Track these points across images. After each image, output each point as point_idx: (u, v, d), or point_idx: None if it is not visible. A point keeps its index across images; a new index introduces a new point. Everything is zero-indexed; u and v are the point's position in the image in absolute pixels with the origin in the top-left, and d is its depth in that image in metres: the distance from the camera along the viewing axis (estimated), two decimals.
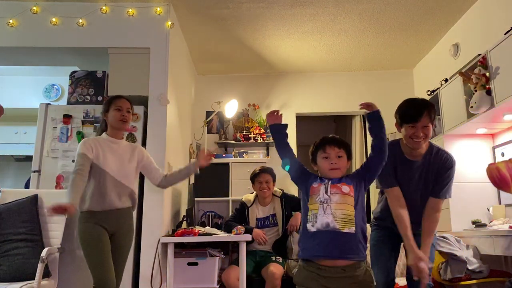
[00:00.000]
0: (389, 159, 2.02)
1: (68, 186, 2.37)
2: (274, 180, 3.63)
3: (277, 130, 2.01)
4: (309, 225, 1.81)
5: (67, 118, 3.46)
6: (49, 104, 3.60)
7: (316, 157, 1.93)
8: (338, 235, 1.76)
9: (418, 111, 2.09)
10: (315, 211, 1.81)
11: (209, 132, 5.05)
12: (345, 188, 1.83)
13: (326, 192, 1.82)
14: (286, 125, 2.03)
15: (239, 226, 3.22)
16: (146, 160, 2.64)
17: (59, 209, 2.12)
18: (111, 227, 2.42)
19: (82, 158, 2.38)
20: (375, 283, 1.91)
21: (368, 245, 2.01)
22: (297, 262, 3.40)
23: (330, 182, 1.85)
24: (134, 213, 3.25)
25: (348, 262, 1.76)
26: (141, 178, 3.36)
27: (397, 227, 2.17)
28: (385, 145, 1.89)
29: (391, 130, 5.37)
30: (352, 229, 1.77)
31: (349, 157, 1.93)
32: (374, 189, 5.04)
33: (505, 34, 3.02)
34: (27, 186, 3.99)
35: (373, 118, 1.91)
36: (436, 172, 2.18)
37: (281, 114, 2.05)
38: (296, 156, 2.03)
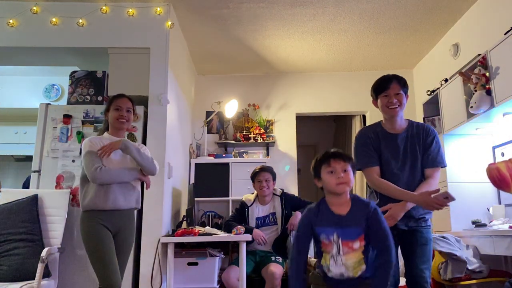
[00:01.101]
0: (370, 139, 2.12)
1: (109, 177, 2.37)
2: (274, 179, 3.63)
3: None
4: (325, 269, 1.83)
5: (67, 118, 3.45)
6: (49, 104, 3.59)
7: (320, 172, 1.86)
8: (354, 280, 1.79)
9: (388, 80, 2.28)
10: (327, 262, 1.81)
11: (209, 132, 5.05)
12: (356, 245, 1.79)
13: (339, 252, 1.79)
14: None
15: (239, 226, 3.22)
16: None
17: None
18: (114, 227, 2.41)
19: (92, 155, 2.38)
20: None
21: None
22: None
23: (340, 240, 1.79)
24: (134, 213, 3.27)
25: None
26: None
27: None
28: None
29: None
30: (363, 268, 1.78)
31: (354, 171, 1.88)
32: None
33: (505, 34, 3.02)
34: (25, 185, 3.99)
35: None
36: (423, 144, 2.25)
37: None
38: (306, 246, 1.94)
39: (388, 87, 2.25)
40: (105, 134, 2.56)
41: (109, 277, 2.25)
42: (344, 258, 1.78)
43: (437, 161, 2.25)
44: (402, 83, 2.28)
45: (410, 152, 2.24)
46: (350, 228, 1.78)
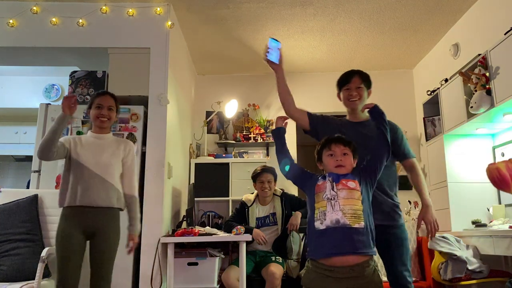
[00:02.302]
0: (334, 127, 2.24)
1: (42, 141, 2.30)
2: (275, 180, 3.63)
3: (281, 135, 2.14)
4: (317, 223, 1.81)
5: None
6: (49, 104, 3.60)
7: (322, 156, 1.96)
8: (349, 230, 1.75)
9: (350, 74, 2.38)
10: (323, 209, 1.80)
11: (209, 132, 5.05)
12: (351, 184, 1.84)
13: (333, 189, 1.83)
14: (285, 131, 2.18)
15: (239, 226, 3.22)
16: (126, 160, 2.52)
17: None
18: (89, 226, 2.33)
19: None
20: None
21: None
22: (297, 262, 3.42)
23: (334, 177, 1.86)
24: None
25: (358, 260, 1.76)
26: (141, 178, 3.37)
27: None
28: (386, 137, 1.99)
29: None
30: (362, 224, 1.78)
31: (355, 155, 1.95)
32: None
33: (505, 34, 3.02)
34: (28, 185, 3.99)
35: (375, 113, 2.04)
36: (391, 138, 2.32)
37: (287, 123, 2.23)
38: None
39: (349, 81, 2.35)
40: (89, 132, 2.53)
41: (63, 277, 2.24)
42: (342, 203, 1.79)
43: (410, 153, 2.36)
44: (364, 77, 2.37)
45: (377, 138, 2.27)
46: (345, 175, 1.90)
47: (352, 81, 2.34)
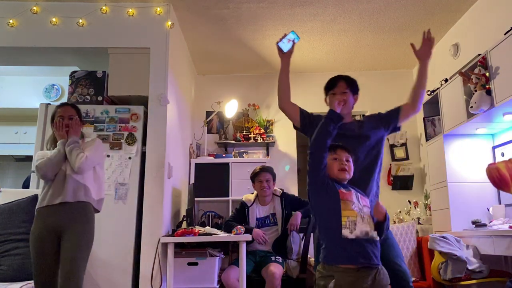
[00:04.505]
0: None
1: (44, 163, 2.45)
2: (274, 179, 3.63)
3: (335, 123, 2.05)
4: (345, 231, 1.82)
5: None
6: (49, 104, 3.60)
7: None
8: (375, 243, 1.86)
9: (336, 79, 2.43)
10: (353, 218, 1.84)
11: (209, 132, 5.05)
12: (366, 201, 1.98)
13: (359, 201, 1.92)
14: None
15: (239, 226, 3.22)
16: (84, 147, 2.57)
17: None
18: (59, 225, 2.38)
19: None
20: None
21: None
22: (297, 262, 3.42)
23: (357, 192, 1.96)
24: (133, 212, 3.27)
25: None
26: (141, 178, 3.37)
27: None
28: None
29: None
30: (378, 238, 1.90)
31: (354, 164, 2.06)
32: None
33: (505, 34, 3.02)
34: (25, 184, 3.99)
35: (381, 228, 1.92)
36: (377, 116, 2.39)
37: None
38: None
39: (335, 85, 2.38)
40: (61, 141, 2.53)
41: (34, 277, 2.37)
42: (367, 218, 1.88)
43: (395, 109, 2.37)
44: (349, 83, 2.38)
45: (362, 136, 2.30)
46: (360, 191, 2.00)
47: (338, 86, 2.37)
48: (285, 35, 2.33)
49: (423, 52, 2.31)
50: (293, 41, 2.34)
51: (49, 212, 2.41)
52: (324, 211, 1.92)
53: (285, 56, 2.37)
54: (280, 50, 2.35)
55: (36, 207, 2.47)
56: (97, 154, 2.58)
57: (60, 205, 2.41)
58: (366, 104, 5.14)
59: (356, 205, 1.88)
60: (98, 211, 2.59)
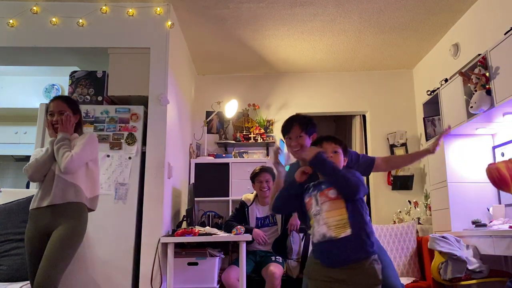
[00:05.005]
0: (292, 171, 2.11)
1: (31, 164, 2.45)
2: (274, 180, 3.63)
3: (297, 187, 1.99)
4: (312, 237, 1.90)
5: None
6: None
7: None
8: (336, 243, 1.78)
9: (290, 123, 2.30)
10: (313, 223, 1.89)
11: (209, 132, 5.05)
12: (332, 193, 1.86)
13: (317, 204, 1.88)
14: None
15: (239, 226, 3.22)
16: (73, 144, 2.50)
17: None
18: (48, 227, 2.37)
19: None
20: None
21: None
22: (297, 262, 3.42)
23: (317, 191, 1.89)
24: (133, 212, 3.27)
25: (354, 266, 1.77)
26: (141, 178, 3.37)
27: None
28: (342, 186, 1.86)
29: (392, 130, 5.35)
30: (347, 232, 1.78)
31: (346, 154, 2.02)
32: (374, 187, 5.03)
33: (505, 34, 3.02)
34: (28, 185, 4.00)
35: (314, 164, 1.91)
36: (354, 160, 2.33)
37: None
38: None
39: (289, 131, 2.29)
40: (50, 139, 2.51)
41: (30, 277, 2.37)
42: (325, 216, 1.83)
43: (370, 159, 2.34)
44: (303, 126, 2.28)
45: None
46: (324, 183, 1.90)
47: (292, 131, 2.28)
48: (278, 148, 2.32)
49: (436, 145, 2.28)
50: (284, 150, 2.35)
51: (38, 215, 2.40)
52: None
53: (283, 167, 2.36)
54: (280, 164, 2.32)
55: (29, 208, 2.46)
56: (87, 150, 2.46)
57: (48, 208, 2.37)
58: (366, 104, 5.16)
59: (313, 209, 1.88)
60: (93, 210, 2.55)
